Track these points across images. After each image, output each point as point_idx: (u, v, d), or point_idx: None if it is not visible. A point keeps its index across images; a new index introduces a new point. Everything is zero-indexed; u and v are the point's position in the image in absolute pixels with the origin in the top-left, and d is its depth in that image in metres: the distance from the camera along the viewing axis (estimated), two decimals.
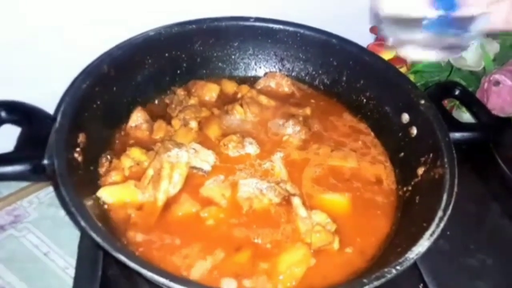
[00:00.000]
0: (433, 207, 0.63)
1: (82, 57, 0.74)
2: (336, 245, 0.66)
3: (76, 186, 0.59)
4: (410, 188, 0.73)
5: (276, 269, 0.62)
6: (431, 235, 0.59)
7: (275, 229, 0.66)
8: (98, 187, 0.67)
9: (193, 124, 0.78)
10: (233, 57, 0.90)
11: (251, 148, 0.76)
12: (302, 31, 0.87)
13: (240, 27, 0.87)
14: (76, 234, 0.74)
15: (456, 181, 0.66)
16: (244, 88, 0.87)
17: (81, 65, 0.73)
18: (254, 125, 0.81)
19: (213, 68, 0.90)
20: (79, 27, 0.79)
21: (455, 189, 0.64)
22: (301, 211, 0.68)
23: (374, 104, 0.84)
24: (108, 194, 0.66)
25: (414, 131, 0.77)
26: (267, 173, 0.74)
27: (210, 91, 0.86)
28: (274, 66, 0.92)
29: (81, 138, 0.66)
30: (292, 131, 0.80)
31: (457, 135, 0.76)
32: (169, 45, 0.82)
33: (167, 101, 0.84)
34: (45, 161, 0.62)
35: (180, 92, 0.84)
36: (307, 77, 0.91)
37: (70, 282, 0.71)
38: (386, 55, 0.93)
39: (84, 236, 0.72)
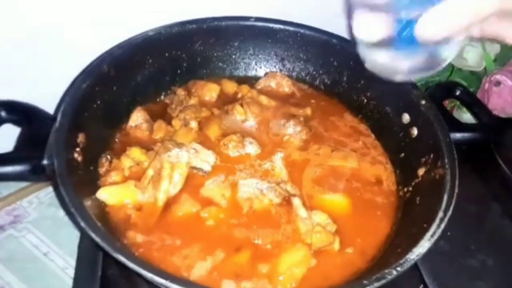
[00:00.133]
0: (434, 208, 0.62)
1: (82, 57, 0.74)
2: (336, 245, 0.66)
3: (76, 186, 0.59)
4: (410, 188, 0.73)
5: (276, 269, 0.62)
6: (431, 236, 0.59)
7: (275, 230, 0.66)
8: (98, 187, 0.67)
9: (193, 124, 0.78)
10: (233, 57, 0.90)
11: (251, 148, 0.76)
12: (302, 31, 0.87)
13: (240, 27, 0.87)
14: (75, 234, 0.73)
15: (457, 182, 0.65)
16: (245, 88, 0.87)
17: (81, 65, 0.73)
18: (254, 125, 0.81)
19: (213, 68, 0.90)
20: (79, 27, 0.79)
21: (456, 190, 0.64)
22: (302, 212, 0.68)
23: (374, 105, 0.84)
24: (108, 194, 0.66)
25: (414, 131, 0.77)
26: (267, 173, 0.74)
27: (210, 91, 0.85)
28: (275, 66, 0.92)
29: (81, 138, 0.66)
30: (292, 131, 0.80)
31: (457, 135, 0.75)
32: (169, 45, 0.82)
33: (167, 101, 0.84)
34: (45, 161, 0.61)
35: (180, 92, 0.84)
36: (307, 77, 0.91)
37: (69, 282, 0.70)
38: None
39: (84, 236, 0.71)
